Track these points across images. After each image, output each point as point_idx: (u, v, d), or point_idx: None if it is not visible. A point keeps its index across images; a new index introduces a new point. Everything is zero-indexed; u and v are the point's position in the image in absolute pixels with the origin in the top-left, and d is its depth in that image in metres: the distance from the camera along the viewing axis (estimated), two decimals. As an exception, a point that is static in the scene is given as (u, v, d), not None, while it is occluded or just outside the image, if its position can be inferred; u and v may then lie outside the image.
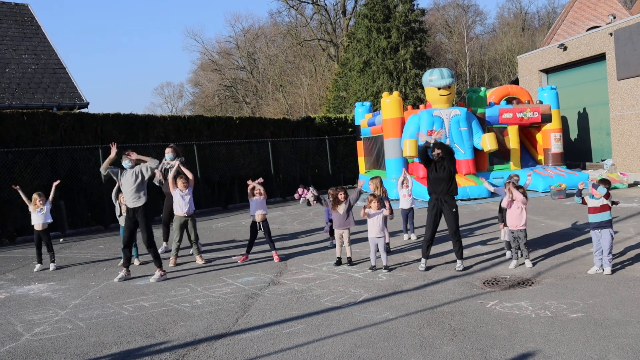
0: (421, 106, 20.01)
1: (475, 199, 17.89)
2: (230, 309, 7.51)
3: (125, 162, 9.78)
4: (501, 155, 19.96)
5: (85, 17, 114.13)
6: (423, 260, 9.22)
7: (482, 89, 20.58)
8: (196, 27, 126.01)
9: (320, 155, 25.91)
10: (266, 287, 8.66)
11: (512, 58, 52.30)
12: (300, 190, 11.40)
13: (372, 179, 11.28)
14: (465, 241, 11.04)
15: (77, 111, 19.29)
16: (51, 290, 9.20)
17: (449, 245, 10.88)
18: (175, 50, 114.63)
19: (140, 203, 9.52)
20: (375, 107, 32.00)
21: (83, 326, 7.11)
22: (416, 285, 8.17)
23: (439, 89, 18.93)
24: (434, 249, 10.71)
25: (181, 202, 10.81)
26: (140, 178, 9.57)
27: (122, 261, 9.98)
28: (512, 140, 20.05)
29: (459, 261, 9.10)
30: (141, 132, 18.78)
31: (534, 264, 8.99)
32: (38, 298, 8.75)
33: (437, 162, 9.26)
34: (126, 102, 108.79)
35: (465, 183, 17.97)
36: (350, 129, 27.18)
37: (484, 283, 8.09)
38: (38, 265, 11.05)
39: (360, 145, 23.80)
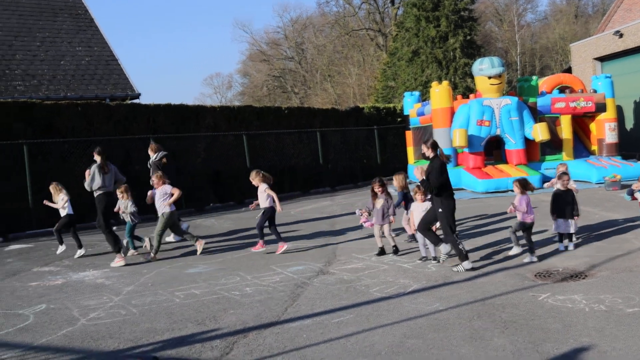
0: (471, 96, 19.74)
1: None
2: (279, 298, 7.56)
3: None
4: (553, 145, 19.56)
5: (137, 9, 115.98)
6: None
7: (534, 77, 20.19)
8: (245, 18, 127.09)
9: (369, 145, 25.84)
10: (315, 276, 8.69)
11: (564, 46, 51.18)
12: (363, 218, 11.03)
13: (396, 174, 11.13)
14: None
15: (129, 102, 19.65)
16: (105, 277, 9.41)
17: (498, 236, 10.76)
18: (224, 41, 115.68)
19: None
20: (424, 97, 31.70)
21: (136, 312, 7.25)
22: (466, 277, 8.08)
23: (490, 78, 18.65)
24: (483, 240, 10.61)
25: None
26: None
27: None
28: (565, 130, 19.62)
29: (443, 245, 8.92)
30: (192, 123, 19.01)
31: (539, 259, 8.85)
32: (93, 284, 8.96)
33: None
34: (176, 92, 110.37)
35: (516, 174, 17.66)
36: (399, 119, 27.02)
37: (535, 275, 7.96)
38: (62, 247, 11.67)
39: (409, 135, 23.62)
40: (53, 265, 10.67)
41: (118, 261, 10.31)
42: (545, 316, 6.23)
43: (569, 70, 29.72)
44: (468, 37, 38.94)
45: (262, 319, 6.70)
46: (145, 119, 17.74)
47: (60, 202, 11.50)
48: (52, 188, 11.71)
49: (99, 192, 10.70)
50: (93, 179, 10.62)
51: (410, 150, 23.46)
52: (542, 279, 7.76)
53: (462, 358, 5.25)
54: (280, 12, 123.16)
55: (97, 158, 10.71)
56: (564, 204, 9.70)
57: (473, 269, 8.44)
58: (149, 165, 13.16)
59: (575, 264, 8.49)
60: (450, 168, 18.64)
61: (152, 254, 10.53)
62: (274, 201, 10.60)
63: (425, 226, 9.02)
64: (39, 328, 6.80)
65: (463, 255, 8.52)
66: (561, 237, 9.68)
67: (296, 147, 22.42)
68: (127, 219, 11.24)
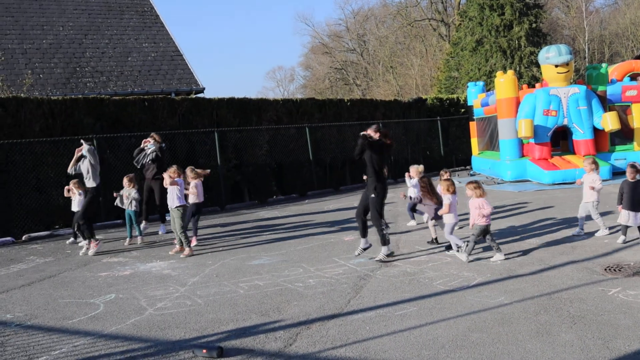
0: (537, 85, 19.28)
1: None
2: (342, 290, 7.57)
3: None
4: (624, 135, 18.91)
5: (200, 5, 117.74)
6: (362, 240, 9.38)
7: (603, 65, 19.54)
8: (306, 11, 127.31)
9: (431, 137, 25.59)
10: (378, 268, 8.66)
11: (635, 32, 49.41)
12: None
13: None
14: (585, 226, 10.57)
15: (194, 96, 19.98)
16: (171, 268, 9.61)
17: (565, 229, 10.52)
18: (286, 34, 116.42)
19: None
20: (488, 87, 31.17)
21: (201, 303, 7.38)
22: (532, 270, 7.91)
23: (557, 66, 18.17)
24: (549, 232, 10.37)
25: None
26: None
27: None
28: (636, 119, 18.92)
29: (382, 248, 9.08)
30: (254, 116, 19.20)
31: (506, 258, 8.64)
32: (159, 275, 9.16)
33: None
34: (240, 86, 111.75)
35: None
36: (462, 110, 26.65)
37: (605, 269, 7.72)
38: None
39: (473, 126, 23.27)
40: (122, 256, 10.96)
41: (95, 247, 11.21)
42: (615, 311, 6.04)
43: (640, 57, 28.67)
44: (533, 25, 38.01)
45: (325, 311, 6.72)
46: (208, 113, 18.01)
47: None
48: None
49: (94, 184, 11.40)
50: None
51: (475, 142, 23.11)
52: (612, 273, 7.53)
53: (529, 353, 5.14)
54: (341, 4, 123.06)
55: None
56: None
57: (389, 255, 9.10)
58: (147, 155, 13.42)
59: (647, 257, 8.21)
60: (515, 159, 18.41)
61: (188, 249, 10.63)
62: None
63: (363, 212, 9.29)
64: (108, 317, 7.00)
65: (386, 240, 9.03)
66: (625, 229, 9.35)
67: (358, 139, 22.34)
68: (132, 207, 12.08)
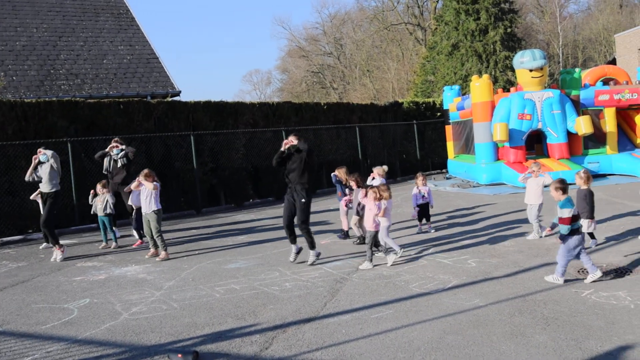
0: (512, 89, 19.47)
1: (569, 184, 17.24)
2: (318, 293, 7.57)
3: (44, 155, 11.33)
4: (597, 139, 19.17)
5: (177, 7, 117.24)
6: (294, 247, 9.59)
7: (577, 70, 19.80)
8: (283, 15, 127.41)
9: (408, 140, 25.71)
10: (354, 272, 8.68)
11: (608, 37, 50.10)
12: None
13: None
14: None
15: (170, 99, 19.88)
16: (147, 272, 9.54)
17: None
18: (264, 37, 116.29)
19: (49, 189, 11.36)
20: (464, 91, 31.41)
21: (177, 307, 7.34)
22: (507, 273, 7.99)
23: (531, 70, 18.37)
24: (522, 235, 10.47)
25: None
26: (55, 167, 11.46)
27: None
28: (609, 123, 19.20)
29: (311, 252, 9.36)
30: (231, 119, 19.15)
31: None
32: (135, 279, 9.10)
33: (291, 156, 9.47)
34: (216, 89, 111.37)
35: (559, 168, 17.39)
36: (438, 114, 26.82)
37: (578, 271, 7.81)
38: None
39: (448, 129, 23.44)
40: (96, 260, 10.86)
41: (61, 253, 11.04)
42: (588, 313, 6.11)
43: (613, 62, 29.13)
44: (509, 30, 38.41)
45: (301, 314, 6.72)
46: (184, 116, 17.94)
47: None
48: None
49: (57, 188, 11.46)
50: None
51: (450, 145, 23.28)
52: (584, 275, 7.62)
53: (503, 355, 5.19)
54: (318, 8, 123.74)
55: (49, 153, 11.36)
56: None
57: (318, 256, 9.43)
58: (117, 161, 13.20)
59: (619, 260, 8.32)
60: (491, 162, 18.57)
61: (163, 253, 10.60)
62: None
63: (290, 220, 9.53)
64: (83, 322, 6.93)
65: (314, 244, 9.45)
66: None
67: (334, 143, 22.41)
68: (107, 210, 12.03)
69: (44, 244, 12.50)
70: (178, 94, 22.34)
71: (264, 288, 8.03)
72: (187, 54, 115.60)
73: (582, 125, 17.78)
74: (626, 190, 15.32)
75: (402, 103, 27.00)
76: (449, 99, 23.13)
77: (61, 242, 11.40)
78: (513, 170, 17.76)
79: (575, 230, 7.29)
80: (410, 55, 55.36)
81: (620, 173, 18.68)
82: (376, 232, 9.09)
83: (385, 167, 11.91)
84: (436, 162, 26.61)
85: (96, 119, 16.03)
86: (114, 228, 12.33)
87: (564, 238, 7.27)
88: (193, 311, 7.12)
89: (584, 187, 9.21)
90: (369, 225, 9.12)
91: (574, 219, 7.27)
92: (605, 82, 20.37)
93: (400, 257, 9.10)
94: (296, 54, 70.03)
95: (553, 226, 7.73)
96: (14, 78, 19.97)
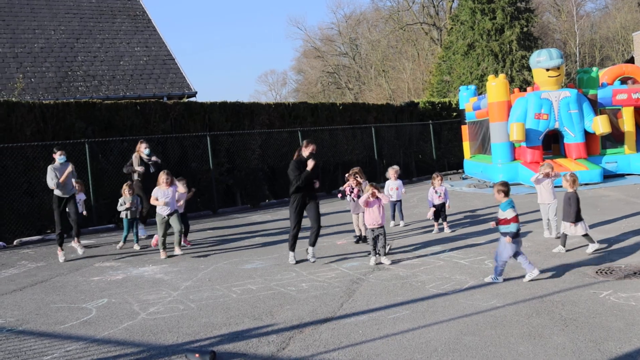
0: (528, 88, 19.35)
1: (586, 184, 17.16)
2: (335, 294, 7.58)
3: (62, 157, 11.26)
4: (614, 138, 19.00)
5: (193, 9, 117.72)
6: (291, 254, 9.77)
7: (594, 69, 19.63)
8: (299, 15, 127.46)
9: (424, 141, 25.64)
10: (371, 272, 8.67)
11: (626, 36, 49.64)
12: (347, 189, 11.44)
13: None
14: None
15: (186, 100, 19.96)
16: (164, 272, 9.59)
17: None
18: (279, 38, 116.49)
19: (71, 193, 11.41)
20: (480, 91, 31.28)
21: (194, 307, 7.37)
22: (524, 273, 7.93)
23: (548, 70, 18.24)
24: (544, 239, 10.41)
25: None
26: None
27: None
28: (627, 123, 19.02)
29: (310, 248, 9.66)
30: (247, 120, 19.20)
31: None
32: (152, 279, 9.14)
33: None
34: (232, 90, 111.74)
35: (576, 168, 17.26)
36: (454, 114, 26.73)
37: (597, 272, 7.76)
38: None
39: (464, 129, 23.34)
40: (114, 260, 10.94)
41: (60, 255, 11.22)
42: (606, 314, 6.07)
43: (631, 61, 28.85)
44: (525, 29, 38.19)
45: (318, 315, 6.73)
46: (200, 117, 18.01)
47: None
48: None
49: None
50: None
51: (466, 145, 23.18)
52: (603, 275, 7.56)
53: (521, 356, 5.16)
54: (333, 9, 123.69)
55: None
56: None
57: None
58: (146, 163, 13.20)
59: (638, 260, 8.24)
60: (507, 162, 18.47)
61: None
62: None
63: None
64: (101, 321, 6.98)
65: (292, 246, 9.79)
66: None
67: (350, 143, 22.40)
68: (132, 214, 12.02)
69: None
70: (194, 94, 22.41)
71: (280, 288, 8.04)
72: (203, 55, 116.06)
73: (599, 125, 17.64)
74: (645, 191, 15.19)
75: (418, 103, 26.93)
76: (465, 98, 23.03)
77: (82, 242, 11.62)
78: (530, 170, 17.63)
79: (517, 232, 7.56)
80: (426, 55, 55.19)
81: (639, 173, 18.51)
82: (378, 228, 9.16)
83: (397, 167, 12.19)
84: (452, 162, 26.52)
85: (113, 120, 16.14)
86: (139, 228, 12.47)
87: (514, 236, 7.50)
88: (210, 311, 7.14)
89: (570, 190, 9.14)
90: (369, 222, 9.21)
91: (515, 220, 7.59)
92: (623, 81, 20.19)
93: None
94: (311, 55, 70.06)
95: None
96: (32, 80, 20.15)
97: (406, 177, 24.11)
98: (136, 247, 12.06)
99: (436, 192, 11.73)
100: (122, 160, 15.92)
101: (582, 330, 5.67)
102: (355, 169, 11.34)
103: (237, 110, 19.03)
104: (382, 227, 9.16)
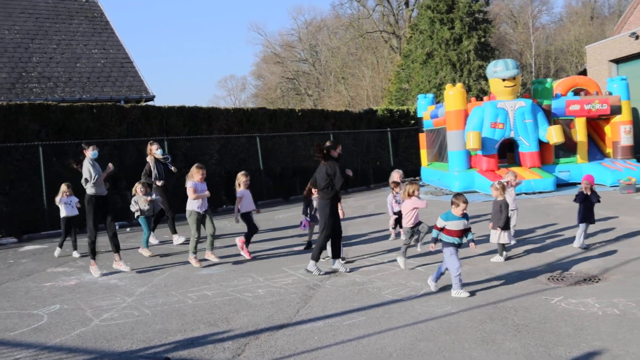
0: (485, 98, 19.67)
1: (540, 192, 17.51)
2: (291, 300, 7.58)
3: (94, 152, 10.17)
4: (567, 148, 19.43)
5: (152, 12, 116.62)
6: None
7: (549, 80, 20.08)
8: (259, 21, 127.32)
9: (381, 148, 25.81)
10: (327, 278, 8.69)
11: (580, 48, 50.85)
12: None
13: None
14: (529, 236, 10.88)
15: (144, 104, 19.75)
16: (118, 278, 9.46)
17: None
18: (239, 43, 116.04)
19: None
20: (438, 99, 31.65)
21: (149, 313, 7.29)
22: (478, 280, 8.06)
23: (504, 80, 18.58)
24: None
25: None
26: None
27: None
28: (580, 133, 19.48)
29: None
30: (205, 124, 19.08)
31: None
32: (106, 285, 9.01)
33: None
34: (191, 95, 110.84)
35: (530, 176, 17.61)
36: (412, 121, 26.98)
37: (548, 279, 7.92)
38: (59, 250, 11.76)
39: (422, 137, 23.59)
40: (67, 266, 10.75)
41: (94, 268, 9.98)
42: (557, 319, 6.20)
43: (584, 73, 29.53)
44: (482, 39, 38.82)
45: (274, 321, 6.72)
46: (158, 121, 17.84)
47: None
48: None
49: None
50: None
51: (424, 153, 23.42)
52: (555, 282, 7.73)
53: (474, 361, 5.24)
54: (294, 15, 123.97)
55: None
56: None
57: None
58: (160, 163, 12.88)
59: (588, 267, 8.45)
60: (463, 170, 18.73)
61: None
62: None
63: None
64: (52, 328, 6.85)
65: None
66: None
67: (308, 149, 22.41)
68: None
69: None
70: (152, 98, 22.19)
71: (236, 294, 8.01)
72: (162, 59, 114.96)
73: (553, 135, 18.02)
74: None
75: (377, 110, 27.12)
76: (423, 107, 23.28)
77: (30, 247, 11.23)
78: (485, 179, 17.92)
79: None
80: (385, 63, 55.66)
81: (590, 182, 18.93)
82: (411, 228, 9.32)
83: (399, 171, 12.47)
84: (410, 170, 26.70)
85: (68, 122, 15.87)
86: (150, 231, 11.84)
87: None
88: (165, 317, 7.07)
89: (500, 198, 9.34)
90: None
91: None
92: (576, 92, 20.68)
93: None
94: (271, 60, 70.00)
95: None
96: (-15, 80, 19.70)
97: (364, 184, 24.25)
98: (145, 252, 11.30)
99: (395, 199, 11.81)
100: (77, 163, 15.66)
101: (534, 335, 5.78)
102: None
103: (195, 115, 18.90)
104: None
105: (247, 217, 10.65)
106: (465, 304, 6.92)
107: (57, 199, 11.62)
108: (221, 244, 12.24)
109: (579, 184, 18.71)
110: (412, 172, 26.12)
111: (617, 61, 26.28)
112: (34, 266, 10.81)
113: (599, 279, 7.73)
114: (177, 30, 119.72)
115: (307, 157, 22.14)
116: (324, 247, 9.17)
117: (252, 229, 10.65)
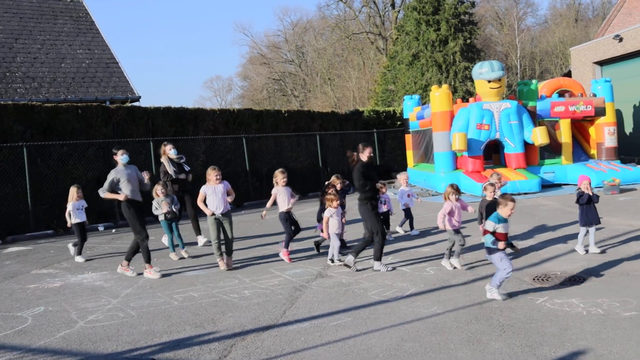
0: (471, 99, 19.76)
1: (525, 193, 17.60)
2: (277, 301, 7.57)
3: (125, 157, 9.92)
4: (552, 149, 19.55)
5: (139, 12, 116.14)
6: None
7: (534, 81, 20.20)
8: (245, 21, 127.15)
9: (368, 149, 25.83)
10: (313, 279, 8.70)
11: (564, 50, 51.24)
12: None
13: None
14: (515, 237, 10.91)
15: (129, 105, 19.66)
16: (104, 280, 9.41)
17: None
18: (225, 44, 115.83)
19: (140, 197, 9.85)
20: (424, 101, 31.76)
21: (134, 315, 7.26)
22: (464, 280, 8.09)
23: (489, 81, 18.66)
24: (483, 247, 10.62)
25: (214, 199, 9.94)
26: (137, 175, 10.03)
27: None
28: (564, 134, 19.61)
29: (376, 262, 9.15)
30: (191, 125, 19.03)
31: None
32: (91, 287, 8.96)
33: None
34: (177, 95, 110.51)
35: (516, 177, 17.70)
36: (398, 123, 27.07)
37: (533, 279, 7.97)
38: (79, 258, 11.22)
39: (408, 138, 23.65)
40: (52, 267, 10.68)
41: (150, 273, 9.56)
42: (542, 320, 6.24)
43: (568, 74, 29.76)
44: (468, 41, 39.04)
45: (260, 322, 6.71)
46: (144, 122, 17.77)
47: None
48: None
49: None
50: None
51: (410, 154, 23.48)
52: (540, 282, 7.78)
53: (459, 361, 5.26)
54: (280, 16, 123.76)
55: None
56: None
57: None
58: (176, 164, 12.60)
59: (573, 267, 8.50)
60: (449, 171, 18.80)
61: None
62: None
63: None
64: (37, 330, 6.80)
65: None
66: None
67: (295, 150, 22.44)
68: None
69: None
70: (138, 99, 22.09)
71: (222, 296, 7.99)
72: (148, 59, 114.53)
73: (538, 136, 18.13)
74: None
75: (363, 112, 27.18)
76: (409, 108, 23.34)
77: (15, 248, 11.11)
78: (471, 180, 17.99)
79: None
80: (371, 64, 55.78)
81: (575, 183, 19.05)
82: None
83: (406, 173, 12.71)
84: (396, 171, 26.81)
85: (53, 123, 15.77)
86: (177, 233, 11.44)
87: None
88: (151, 319, 7.05)
89: (489, 198, 9.44)
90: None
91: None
92: (561, 94, 20.82)
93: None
94: (257, 61, 69.93)
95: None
96: (-32, 81, 19.55)
97: (350, 185, 24.22)
98: (184, 253, 11.08)
99: (380, 200, 11.82)
100: (62, 164, 15.59)
101: (519, 335, 5.81)
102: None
103: (181, 116, 18.85)
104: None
105: (282, 218, 10.39)
106: (451, 305, 6.94)
107: (70, 206, 11.25)
108: (206, 247, 12.21)
109: (565, 185, 18.96)
110: (398, 172, 26.19)
111: (601, 63, 26.51)
112: (18, 268, 10.73)
113: (584, 280, 7.79)
114: (162, 30, 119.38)
115: (294, 158, 22.15)
116: (383, 245, 9.18)
117: (289, 232, 10.33)
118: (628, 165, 19.96)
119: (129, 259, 9.79)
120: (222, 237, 9.82)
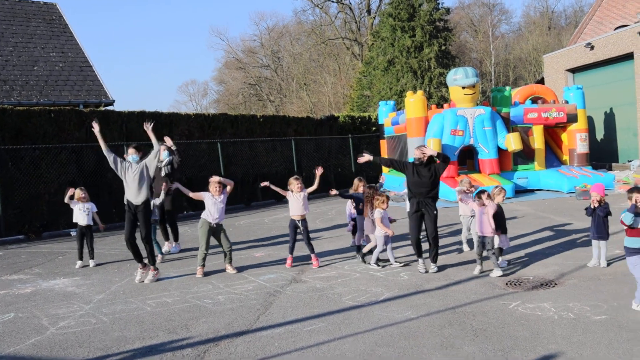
0: (445, 105, 19.90)
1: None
2: (251, 306, 7.54)
3: (133, 157, 10.05)
4: (525, 155, 19.78)
5: (113, 16, 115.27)
6: (420, 260, 9.21)
7: (507, 88, 20.41)
8: (221, 26, 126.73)
9: (343, 154, 25.91)
10: (288, 284, 8.68)
11: (537, 57, 51.86)
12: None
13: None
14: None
15: (103, 109, 19.50)
16: (76, 285, 9.31)
17: (469, 248, 10.83)
18: (200, 48, 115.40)
19: (141, 199, 9.48)
20: (399, 106, 31.94)
21: (107, 321, 7.19)
22: (438, 285, 8.14)
23: (464, 88, 18.82)
24: (455, 248, 10.69)
25: (212, 209, 9.83)
26: (145, 173, 9.83)
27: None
28: (537, 140, 19.84)
29: (433, 265, 9.11)
30: (165, 130, 18.89)
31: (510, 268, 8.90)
32: (63, 292, 8.86)
33: (419, 166, 9.67)
34: (151, 100, 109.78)
35: (489, 183, 17.83)
36: (373, 128, 27.16)
37: (506, 284, 8.04)
38: (79, 262, 10.93)
39: (383, 144, 23.75)
40: (22, 273, 10.53)
41: (155, 275, 9.51)
42: (514, 324, 6.29)
43: (541, 81, 30.14)
44: (443, 47, 39.35)
45: (234, 328, 6.68)
46: (118, 126, 17.64)
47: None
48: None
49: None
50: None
51: (385, 159, 23.54)
52: (512, 287, 7.84)
53: (432, 366, 5.28)
54: (256, 20, 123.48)
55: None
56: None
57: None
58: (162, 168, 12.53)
59: (545, 272, 8.59)
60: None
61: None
62: None
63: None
64: (6, 337, 6.70)
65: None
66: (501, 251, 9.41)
67: (270, 155, 22.41)
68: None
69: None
70: (112, 103, 21.92)
71: (196, 301, 7.94)
72: (123, 63, 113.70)
73: (511, 142, 18.31)
74: (553, 205, 15.85)
75: (338, 117, 27.23)
76: (384, 113, 23.45)
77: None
78: (445, 185, 18.09)
79: None
80: (347, 69, 55.96)
81: (547, 188, 19.30)
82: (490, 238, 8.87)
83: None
84: (371, 176, 26.85)
85: (25, 127, 15.59)
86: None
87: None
88: (123, 325, 6.98)
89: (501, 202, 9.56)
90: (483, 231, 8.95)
91: None
92: (534, 100, 21.06)
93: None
94: (233, 66, 69.75)
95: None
96: (-62, 83, 19.25)
97: (325, 191, 24.26)
98: (158, 258, 10.79)
99: (354, 206, 11.83)
100: (34, 168, 15.40)
101: (491, 340, 5.86)
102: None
103: (155, 120, 18.69)
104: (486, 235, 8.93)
105: (291, 225, 10.29)
106: (425, 310, 6.97)
107: (73, 205, 11.07)
108: (179, 252, 12.16)
109: (538, 190, 19.17)
110: (374, 178, 26.25)
111: (573, 70, 26.87)
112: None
113: (555, 284, 7.87)
114: (137, 34, 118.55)
115: (269, 163, 22.12)
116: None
117: (293, 239, 10.22)
118: (599, 171, 20.25)
119: (151, 264, 9.53)
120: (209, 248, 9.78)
